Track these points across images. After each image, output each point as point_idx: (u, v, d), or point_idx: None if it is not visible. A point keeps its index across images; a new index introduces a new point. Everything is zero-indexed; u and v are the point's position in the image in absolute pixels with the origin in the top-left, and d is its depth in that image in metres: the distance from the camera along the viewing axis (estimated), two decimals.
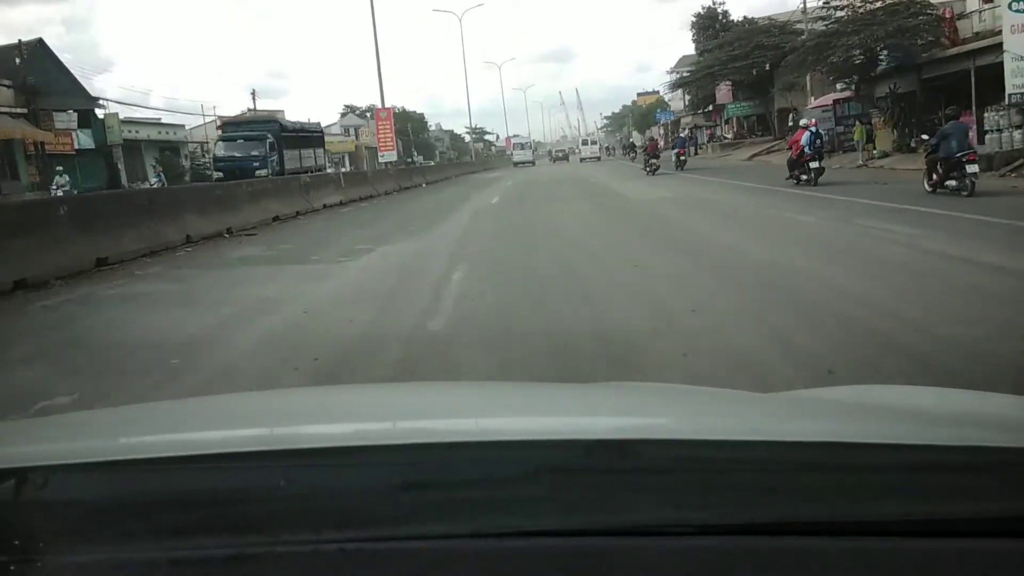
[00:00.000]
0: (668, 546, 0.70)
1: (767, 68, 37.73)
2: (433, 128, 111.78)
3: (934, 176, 12.26)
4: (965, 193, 11.43)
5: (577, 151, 65.27)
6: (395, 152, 31.81)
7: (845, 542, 0.70)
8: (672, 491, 0.78)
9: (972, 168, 11.61)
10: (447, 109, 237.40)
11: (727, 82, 42.59)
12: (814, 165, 15.61)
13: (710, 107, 56.03)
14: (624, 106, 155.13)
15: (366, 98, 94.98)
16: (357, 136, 72.85)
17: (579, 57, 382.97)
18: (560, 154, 68.31)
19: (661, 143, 40.71)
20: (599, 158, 56.82)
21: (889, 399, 1.28)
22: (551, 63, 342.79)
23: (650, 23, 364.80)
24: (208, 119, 51.32)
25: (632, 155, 47.46)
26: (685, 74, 52.54)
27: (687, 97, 66.72)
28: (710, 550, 0.70)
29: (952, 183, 11.78)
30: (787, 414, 1.11)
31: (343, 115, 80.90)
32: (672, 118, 64.89)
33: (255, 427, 1.09)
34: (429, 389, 1.82)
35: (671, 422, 1.05)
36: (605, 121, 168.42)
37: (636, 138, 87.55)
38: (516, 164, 57.64)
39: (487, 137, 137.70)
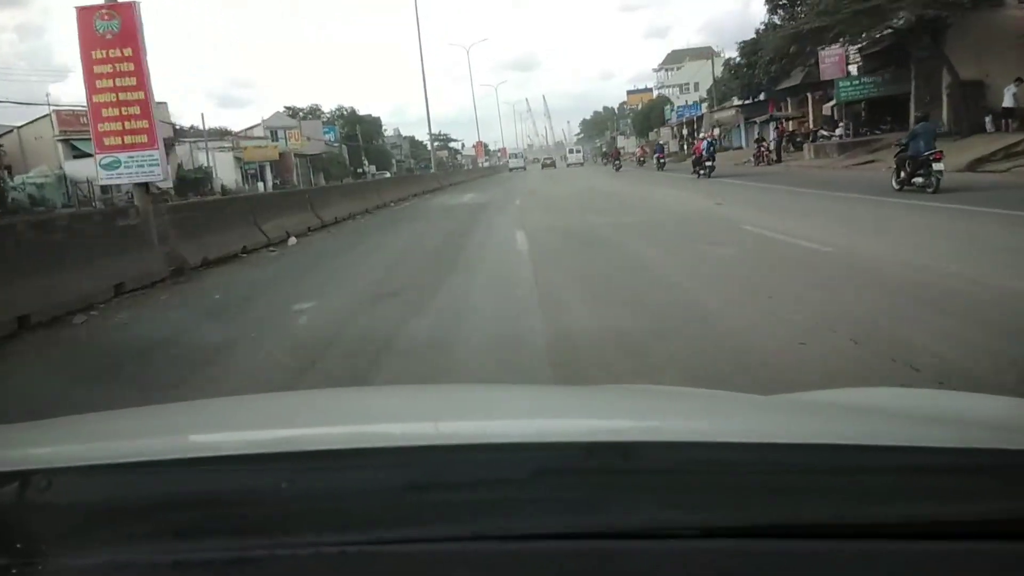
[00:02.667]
0: (670, 548, 0.69)
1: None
2: (390, 134, 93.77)
3: (902, 174, 12.59)
4: (930, 190, 11.60)
5: (553, 159, 77.42)
6: (161, 159, 9.94)
7: (846, 544, 0.69)
8: (674, 493, 0.76)
9: (938, 166, 11.75)
10: (411, 117, 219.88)
11: (838, 44, 25.42)
12: (709, 164, 22.70)
13: (761, 96, 39.06)
14: (596, 112, 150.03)
15: (324, 102, 78.14)
16: (285, 139, 54.82)
17: (543, 66, 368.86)
18: (548, 161, 74.53)
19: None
20: (581, 163, 66.46)
21: (889, 401, 1.27)
22: (515, 72, 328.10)
23: (613, 33, 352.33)
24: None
25: (606, 161, 50.93)
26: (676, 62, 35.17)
27: (716, 89, 49.63)
28: (712, 552, 0.69)
29: (919, 180, 12.05)
30: (788, 416, 1.09)
31: (288, 115, 61.95)
32: (698, 113, 47.54)
33: (257, 430, 1.06)
34: (430, 391, 1.78)
35: (672, 424, 1.03)
36: (578, 129, 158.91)
37: (629, 142, 70.86)
38: (511, 169, 67.76)
39: (452, 144, 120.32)
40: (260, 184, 47.73)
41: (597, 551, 0.69)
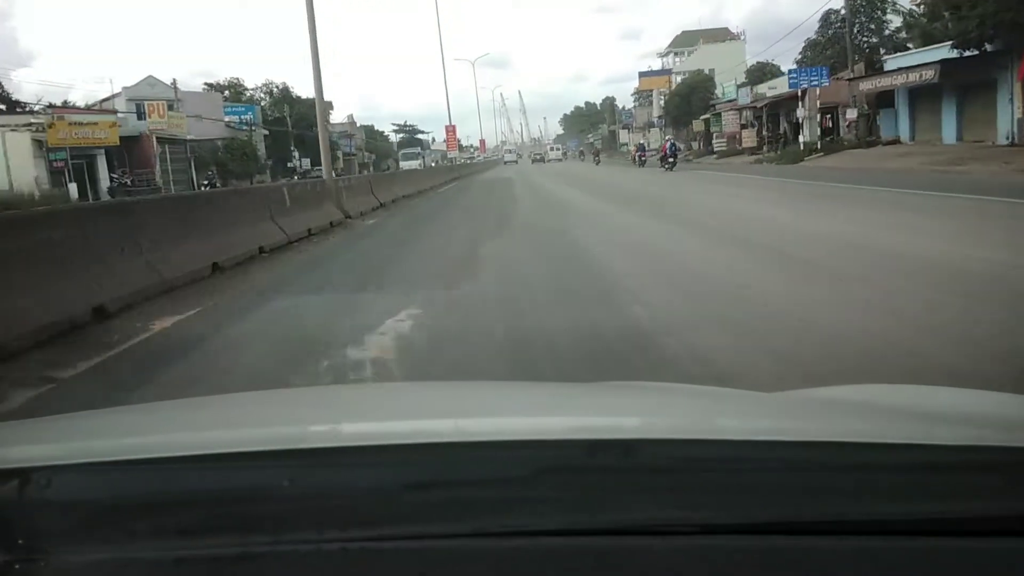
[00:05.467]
0: (671, 545, 0.69)
1: None
2: (342, 121, 73.20)
3: None
4: None
5: (542, 155, 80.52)
6: None
7: (847, 541, 0.69)
8: (674, 490, 0.75)
9: None
10: (386, 112, 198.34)
11: None
12: (671, 160, 27.12)
13: (986, 46, 20.02)
14: (577, 107, 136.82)
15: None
16: (146, 116, 34.43)
17: (516, 65, 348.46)
18: (538, 156, 79.03)
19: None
20: (560, 159, 71.65)
21: (890, 398, 1.25)
22: (489, 69, 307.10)
23: (586, 33, 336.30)
24: None
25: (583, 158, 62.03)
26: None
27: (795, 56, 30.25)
28: (713, 549, 0.68)
29: None
30: (789, 413, 1.08)
31: (161, 83, 40.81)
32: (815, 81, 27.68)
33: (258, 427, 1.05)
34: (432, 388, 1.76)
35: (673, 421, 1.01)
36: (559, 126, 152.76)
37: (650, 137, 51.76)
38: (506, 162, 73.00)
39: (420, 136, 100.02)
40: (72, 186, 27.08)
41: (598, 548, 0.68)
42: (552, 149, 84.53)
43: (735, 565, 0.67)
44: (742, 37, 75.44)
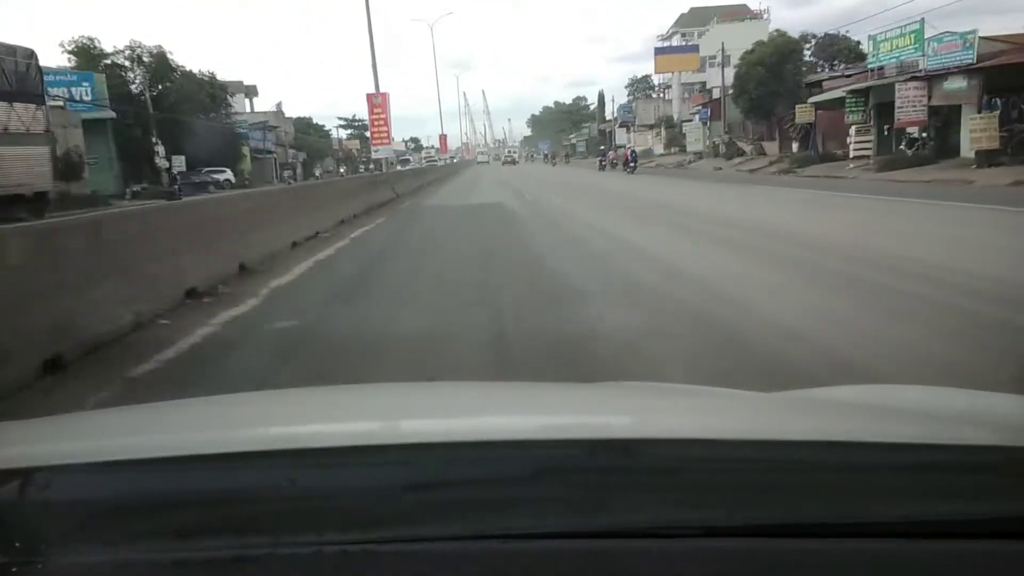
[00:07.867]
0: (672, 547, 0.68)
1: None
2: (268, 111, 54.31)
3: None
4: None
5: (513, 157, 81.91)
6: None
7: (848, 543, 0.68)
8: (676, 491, 0.74)
9: None
10: (346, 112, 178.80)
11: None
12: (632, 165, 31.12)
13: None
14: (546, 107, 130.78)
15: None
16: None
17: (478, 66, 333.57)
18: (509, 159, 78.81)
19: None
20: (517, 162, 77.85)
21: (891, 399, 1.24)
22: (450, 69, 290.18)
23: (551, 34, 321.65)
24: None
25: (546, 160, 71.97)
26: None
27: None
28: (714, 551, 0.67)
29: None
30: (790, 414, 1.07)
31: None
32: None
33: (258, 427, 1.04)
34: (432, 389, 1.76)
35: (674, 422, 1.00)
36: (527, 128, 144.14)
37: (691, 135, 34.25)
38: (479, 163, 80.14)
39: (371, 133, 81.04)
40: None
41: (599, 550, 0.67)
42: (514, 151, 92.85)
43: (736, 567, 0.66)
44: (765, 16, 58.99)
